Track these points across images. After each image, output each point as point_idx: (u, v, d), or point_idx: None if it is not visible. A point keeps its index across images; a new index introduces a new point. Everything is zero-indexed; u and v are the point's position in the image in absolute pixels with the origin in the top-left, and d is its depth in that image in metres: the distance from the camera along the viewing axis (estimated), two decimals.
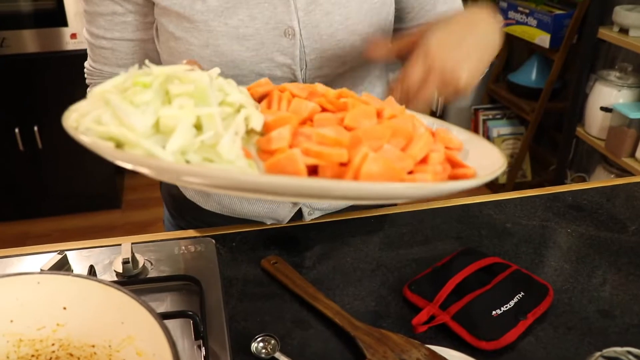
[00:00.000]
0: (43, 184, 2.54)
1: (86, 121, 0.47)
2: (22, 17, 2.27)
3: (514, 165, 2.73)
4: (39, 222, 2.57)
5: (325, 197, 0.45)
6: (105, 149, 0.45)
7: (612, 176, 2.22)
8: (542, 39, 2.52)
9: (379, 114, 0.55)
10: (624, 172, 2.14)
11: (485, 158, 0.56)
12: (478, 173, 0.53)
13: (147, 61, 0.56)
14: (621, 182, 1.09)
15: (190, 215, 0.99)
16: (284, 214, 0.91)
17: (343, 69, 0.82)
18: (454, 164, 0.54)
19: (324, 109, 0.56)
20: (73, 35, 2.30)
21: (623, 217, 0.96)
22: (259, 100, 0.61)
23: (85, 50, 2.15)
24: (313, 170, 0.48)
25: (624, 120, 2.02)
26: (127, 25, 0.81)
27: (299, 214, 0.93)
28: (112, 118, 0.46)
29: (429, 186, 0.47)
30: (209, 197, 0.93)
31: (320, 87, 0.61)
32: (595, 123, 2.20)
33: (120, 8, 0.79)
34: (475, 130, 2.92)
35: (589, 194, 1.03)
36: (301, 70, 0.80)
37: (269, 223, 0.93)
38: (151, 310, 0.47)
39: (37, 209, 2.60)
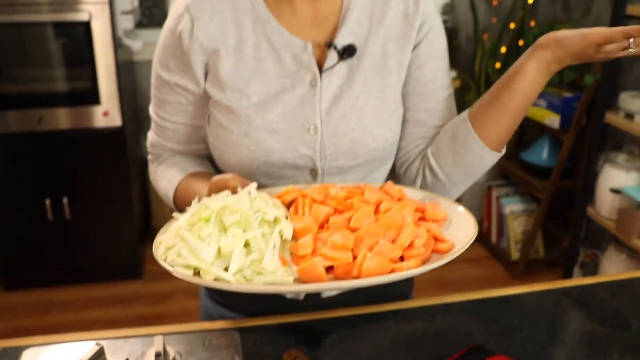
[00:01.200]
0: (69, 253, 2.63)
1: (171, 255, 0.67)
2: (59, 96, 2.42)
3: (526, 242, 2.77)
4: (63, 290, 2.64)
5: (340, 289, 0.66)
6: (186, 277, 0.65)
7: (623, 256, 2.26)
8: (552, 120, 2.61)
9: (377, 209, 0.75)
10: (635, 252, 2.17)
11: (464, 227, 0.73)
12: (456, 243, 0.71)
13: (204, 199, 0.74)
14: (626, 277, 1.13)
15: None
16: None
17: (356, 162, 0.94)
18: (437, 239, 0.71)
19: (336, 210, 0.76)
20: (105, 113, 2.44)
21: (627, 314, 1.00)
22: (288, 205, 0.78)
23: (116, 127, 2.37)
24: (330, 267, 0.67)
25: (632, 202, 2.08)
26: (188, 113, 0.97)
27: None
28: (189, 252, 0.66)
29: (411, 272, 0.65)
30: None
31: (332, 190, 0.78)
32: (605, 204, 2.25)
33: (184, 99, 0.95)
34: (489, 207, 2.98)
35: (595, 289, 1.08)
36: (320, 160, 0.92)
37: (288, 297, 1.01)
38: None
39: (61, 278, 2.67)
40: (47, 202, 2.50)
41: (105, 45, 2.37)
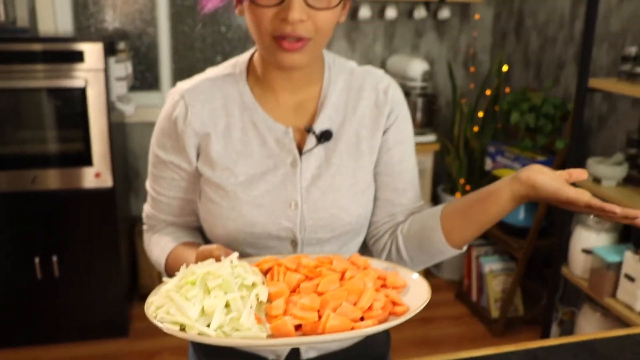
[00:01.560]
0: (56, 311, 2.66)
1: (161, 313, 0.77)
2: (53, 158, 2.51)
3: (505, 300, 2.84)
4: (49, 349, 2.65)
5: (306, 344, 0.74)
6: (174, 332, 0.74)
7: (598, 314, 2.33)
8: None
9: (342, 276, 0.84)
10: (608, 311, 2.25)
11: (420, 292, 0.83)
12: (411, 306, 0.80)
13: (191, 265, 0.83)
14: (586, 339, 1.21)
15: (206, 345, 1.13)
16: (282, 347, 1.06)
17: (332, 234, 1.03)
18: (394, 303, 0.81)
19: (307, 277, 0.85)
20: (97, 175, 2.52)
21: None
22: (265, 272, 0.87)
23: (107, 188, 2.52)
24: (299, 325, 0.77)
25: (603, 263, 2.17)
26: (181, 188, 1.06)
27: (296, 351, 1.07)
28: (176, 310, 0.76)
29: (369, 330, 0.75)
30: None
31: (304, 259, 0.87)
32: (578, 264, 2.34)
33: (178, 176, 1.05)
34: (469, 265, 3.06)
35: (556, 350, 1.15)
36: (300, 232, 1.01)
37: (270, 358, 1.07)
38: None
39: (48, 336, 2.68)
40: (37, 260, 2.54)
41: (99, 109, 2.48)
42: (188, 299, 0.76)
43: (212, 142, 1.00)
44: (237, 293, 0.77)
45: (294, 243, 1.02)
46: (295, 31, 0.89)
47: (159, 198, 1.09)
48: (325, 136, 1.01)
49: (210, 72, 1.06)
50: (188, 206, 1.09)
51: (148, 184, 1.10)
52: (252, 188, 1.00)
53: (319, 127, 1.02)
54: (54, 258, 2.56)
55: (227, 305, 0.76)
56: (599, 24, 2.57)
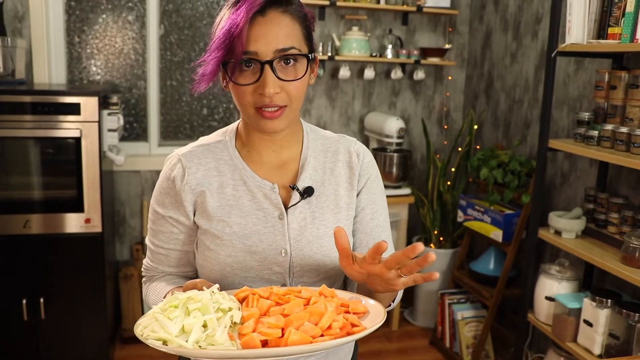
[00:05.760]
0: (40, 352, 2.71)
1: (146, 331, 0.89)
2: (44, 203, 2.62)
3: (477, 346, 2.96)
4: None
5: (269, 356, 0.84)
6: (157, 345, 0.86)
7: (562, 359, 2.46)
8: (496, 234, 2.90)
9: (307, 302, 0.97)
10: (571, 355, 2.38)
11: (377, 317, 0.94)
12: (368, 328, 0.91)
13: (176, 293, 0.95)
14: None
15: None
16: None
17: (317, 278, 1.17)
18: (353, 324, 0.92)
19: (277, 303, 0.97)
20: (87, 220, 2.63)
21: None
22: (242, 300, 1.00)
23: (96, 233, 2.65)
24: (266, 341, 0.88)
25: (564, 309, 2.32)
26: (179, 240, 1.20)
27: None
28: (160, 328, 0.87)
29: (324, 344, 0.86)
30: None
31: (275, 289, 1.00)
32: (542, 310, 2.48)
33: (176, 229, 1.19)
34: (442, 313, 3.19)
35: None
36: (289, 277, 1.15)
37: None
38: None
39: None
40: (24, 301, 2.61)
41: (92, 159, 2.61)
42: (170, 319, 0.88)
43: (208, 198, 1.15)
44: (214, 315, 0.89)
45: (283, 287, 1.14)
46: (273, 102, 1.06)
47: (157, 251, 1.22)
48: (307, 192, 1.17)
49: (203, 139, 1.22)
50: (185, 257, 1.22)
51: (147, 239, 1.23)
52: (246, 237, 1.14)
53: (301, 184, 1.17)
54: (41, 300, 2.64)
55: (205, 326, 0.89)
56: (559, 89, 2.81)
